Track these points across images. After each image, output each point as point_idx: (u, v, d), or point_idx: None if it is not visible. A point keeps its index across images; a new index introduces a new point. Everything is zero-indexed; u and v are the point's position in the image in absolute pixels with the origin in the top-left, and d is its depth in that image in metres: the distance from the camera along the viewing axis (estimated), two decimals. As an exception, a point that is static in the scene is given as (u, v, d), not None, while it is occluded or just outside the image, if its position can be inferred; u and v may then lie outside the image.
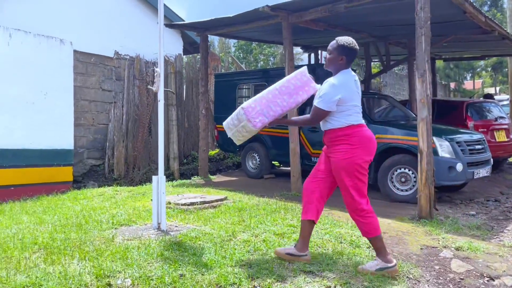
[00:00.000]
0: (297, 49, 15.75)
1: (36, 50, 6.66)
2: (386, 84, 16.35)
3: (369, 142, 3.15)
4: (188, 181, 8.05)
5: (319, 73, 8.17)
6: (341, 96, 3.08)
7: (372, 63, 11.59)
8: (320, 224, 4.29)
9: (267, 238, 3.74)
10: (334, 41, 3.23)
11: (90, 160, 8.67)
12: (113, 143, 8.79)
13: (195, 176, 8.50)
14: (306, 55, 11.59)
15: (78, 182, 7.98)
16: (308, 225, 3.28)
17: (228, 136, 3.57)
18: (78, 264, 3.06)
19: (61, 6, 8.28)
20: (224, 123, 3.56)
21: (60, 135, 6.97)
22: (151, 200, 5.36)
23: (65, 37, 7.15)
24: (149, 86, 6.49)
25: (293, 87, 3.43)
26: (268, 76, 8.78)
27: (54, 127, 6.86)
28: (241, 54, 31.33)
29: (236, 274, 2.89)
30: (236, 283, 2.79)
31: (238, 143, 3.59)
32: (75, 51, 7.44)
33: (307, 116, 3.34)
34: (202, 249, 3.42)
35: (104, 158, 8.79)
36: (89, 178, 8.41)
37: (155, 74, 4.21)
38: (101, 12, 8.93)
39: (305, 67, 3.65)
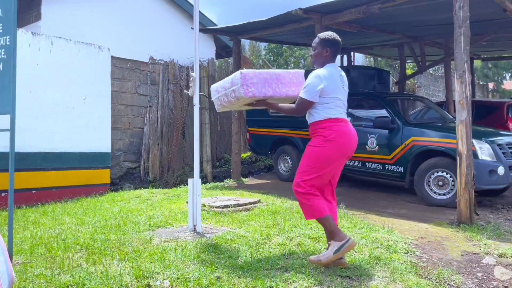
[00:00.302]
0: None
1: (76, 57, 6.90)
2: (421, 85, 15.96)
3: (343, 137, 3.19)
4: (221, 183, 8.13)
5: (352, 74, 8.11)
6: (323, 86, 3.15)
7: (406, 64, 11.35)
8: (355, 228, 4.24)
9: (302, 242, 3.73)
10: (316, 39, 3.33)
11: (126, 163, 8.90)
12: (148, 147, 8.99)
13: (228, 179, 8.57)
14: (338, 57, 11.48)
15: (115, 184, 8.21)
16: (326, 220, 3.18)
17: (211, 99, 3.66)
18: (118, 265, 3.14)
19: (98, 14, 8.57)
20: (213, 85, 3.68)
21: (98, 138, 7.19)
22: (186, 202, 5.44)
23: (102, 43, 7.38)
24: (185, 91, 6.60)
25: (288, 80, 3.62)
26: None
27: (93, 131, 7.08)
28: (272, 57, 31.36)
29: (273, 277, 2.89)
30: (272, 287, 2.79)
31: (218, 109, 3.64)
32: (112, 57, 7.66)
33: (293, 105, 3.37)
34: (237, 252, 3.45)
35: (140, 161, 9.00)
36: (125, 180, 8.63)
37: (191, 79, 4.29)
38: (136, 19, 9.18)
39: (303, 70, 3.90)
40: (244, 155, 10.74)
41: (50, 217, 5.05)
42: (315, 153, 3.17)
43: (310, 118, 3.30)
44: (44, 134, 6.45)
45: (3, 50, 3.14)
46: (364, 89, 7.94)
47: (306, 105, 3.23)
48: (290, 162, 8.33)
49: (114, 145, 8.37)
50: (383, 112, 6.84)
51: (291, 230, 4.11)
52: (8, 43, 3.12)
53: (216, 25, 9.77)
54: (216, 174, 9.75)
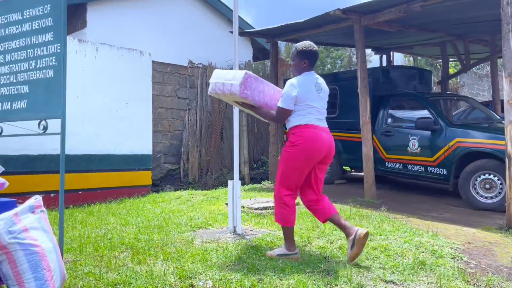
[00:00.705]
0: (368, 51, 15.36)
1: (118, 62, 7.15)
2: (464, 85, 15.39)
3: (309, 142, 3.29)
4: (259, 185, 8.17)
5: (392, 75, 7.94)
6: (296, 93, 3.28)
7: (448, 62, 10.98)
8: (398, 232, 4.14)
9: (343, 246, 3.68)
10: (293, 49, 3.47)
11: (166, 165, 9.11)
12: (188, 149, 9.16)
13: (265, 181, 8.60)
14: (377, 57, 11.26)
15: (156, 186, 8.41)
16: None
17: (209, 81, 3.72)
18: (162, 265, 3.22)
19: (140, 20, 8.83)
20: (218, 70, 3.76)
21: (140, 141, 7.41)
22: (226, 204, 5.51)
23: (144, 48, 7.60)
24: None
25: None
26: (339, 80, 8.65)
27: (135, 134, 7.30)
28: (308, 58, 31.16)
29: (314, 280, 2.88)
30: (314, 290, 2.77)
31: (210, 92, 3.73)
32: (153, 62, 7.87)
33: (274, 112, 3.49)
34: (278, 254, 3.45)
35: (180, 163, 9.19)
36: (166, 181, 8.83)
37: (231, 82, 4.32)
38: (176, 24, 9.39)
39: None
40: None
41: (96, 217, 5.24)
42: (284, 158, 3.37)
43: (286, 126, 3.48)
44: (89, 137, 6.71)
45: (54, 57, 3.28)
46: (405, 90, 7.75)
47: (283, 113, 3.36)
48: (328, 164, 8.25)
49: (155, 147, 8.59)
50: (425, 113, 6.65)
51: (331, 233, 4.07)
52: (58, 50, 3.26)
53: (253, 28, 9.83)
54: (254, 176, 9.80)
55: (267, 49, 11.26)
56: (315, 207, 3.53)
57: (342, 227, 3.37)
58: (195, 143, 9.27)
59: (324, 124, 3.47)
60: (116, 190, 7.00)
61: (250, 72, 3.53)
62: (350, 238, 3.24)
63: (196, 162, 9.17)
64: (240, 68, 4.30)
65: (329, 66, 30.57)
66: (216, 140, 9.49)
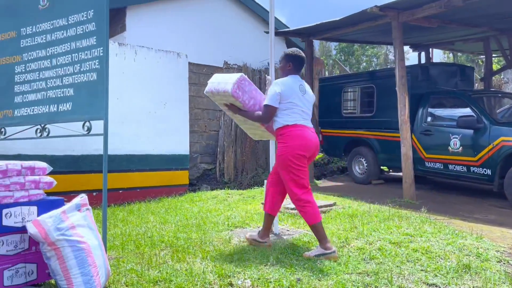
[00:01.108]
0: (405, 48, 14.98)
1: (156, 64, 7.30)
2: (508, 81, 14.73)
3: (299, 139, 3.47)
4: (295, 185, 8.13)
5: (432, 72, 7.72)
6: (280, 90, 3.53)
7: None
8: (440, 233, 4.03)
9: (382, 247, 3.62)
10: (282, 53, 3.80)
11: (203, 165, 9.24)
12: (223, 149, 9.26)
13: (301, 181, 8.56)
14: (415, 54, 10.96)
15: (193, 185, 8.54)
16: (267, 216, 3.76)
17: (208, 82, 3.89)
18: (201, 263, 3.27)
19: (176, 22, 8.99)
20: (218, 74, 3.98)
21: (177, 141, 7.54)
22: (261, 203, 5.52)
23: (180, 50, 7.73)
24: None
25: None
26: (375, 78, 8.50)
27: (173, 134, 7.44)
28: (342, 56, 30.77)
29: (354, 282, 2.84)
30: (354, 291, 2.74)
31: (206, 91, 3.87)
32: (189, 63, 7.99)
33: (260, 112, 3.65)
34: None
35: (216, 163, 9.29)
36: (202, 181, 8.95)
37: (267, 82, 4.34)
38: (211, 25, 9.49)
39: None
40: (316, 157, 10.64)
41: (136, 215, 5.38)
42: (283, 164, 3.51)
43: (273, 126, 3.64)
44: (129, 138, 6.89)
45: (97, 60, 3.39)
46: (446, 87, 7.51)
47: (270, 111, 3.55)
48: (365, 164, 8.12)
49: (191, 148, 8.71)
50: (467, 111, 6.43)
51: (370, 234, 4.01)
52: (101, 54, 3.37)
53: (287, 27, 9.79)
54: (289, 176, 9.76)
55: (301, 49, 11.22)
56: (273, 198, 3.75)
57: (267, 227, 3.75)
58: (231, 143, 9.35)
59: (310, 125, 3.64)
60: (154, 189, 7.15)
61: (246, 76, 3.76)
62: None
63: (232, 162, 9.24)
64: (275, 68, 4.35)
65: (364, 64, 30.05)
66: (251, 140, 9.52)
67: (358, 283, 2.82)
